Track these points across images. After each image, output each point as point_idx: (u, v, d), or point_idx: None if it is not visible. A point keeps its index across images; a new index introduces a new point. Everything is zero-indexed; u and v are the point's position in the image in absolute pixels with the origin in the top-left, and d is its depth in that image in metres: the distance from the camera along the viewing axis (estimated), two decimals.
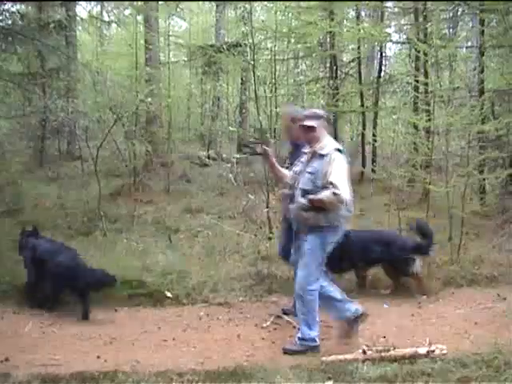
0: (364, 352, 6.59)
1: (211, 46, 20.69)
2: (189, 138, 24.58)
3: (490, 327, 7.94)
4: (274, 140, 14.30)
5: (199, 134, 24.51)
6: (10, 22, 14.43)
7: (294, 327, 8.11)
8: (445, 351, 6.64)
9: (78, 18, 21.97)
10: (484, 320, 8.34)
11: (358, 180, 18.66)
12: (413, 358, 6.53)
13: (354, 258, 9.53)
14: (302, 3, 18.12)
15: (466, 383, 5.79)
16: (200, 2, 29.85)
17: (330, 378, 6.00)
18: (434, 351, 6.60)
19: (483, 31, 15.47)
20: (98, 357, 6.92)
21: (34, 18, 17.37)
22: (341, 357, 6.61)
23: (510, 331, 7.35)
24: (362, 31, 16.96)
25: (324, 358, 6.59)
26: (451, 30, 23.40)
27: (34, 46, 15.46)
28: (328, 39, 19.05)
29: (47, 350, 7.14)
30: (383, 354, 6.58)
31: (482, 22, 15.78)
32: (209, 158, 19.16)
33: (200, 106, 23.28)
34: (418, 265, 9.54)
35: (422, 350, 6.63)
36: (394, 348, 6.69)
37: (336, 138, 18.59)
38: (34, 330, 7.95)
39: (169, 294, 9.30)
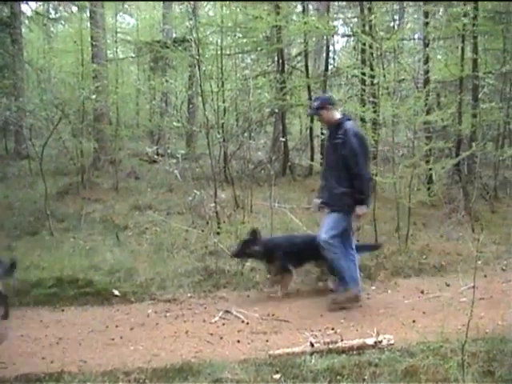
0: (312, 344, 6.60)
1: (158, 41, 20.62)
2: (138, 134, 24.46)
3: (437, 316, 7.99)
4: (221, 135, 14.29)
5: (148, 130, 24.43)
6: None
7: (243, 321, 8.11)
8: (392, 341, 6.68)
9: (23, 16, 21.79)
10: (432, 309, 8.40)
11: (306, 174, 18.78)
12: (361, 349, 6.55)
13: None
14: None
15: (412, 372, 5.81)
16: None
17: (277, 372, 5.98)
18: (381, 342, 6.63)
19: (427, 23, 15.60)
20: (44, 358, 6.83)
21: None
22: (288, 350, 6.61)
23: (457, 319, 7.40)
24: (306, 24, 17.00)
25: (271, 352, 6.58)
26: (397, 22, 23.61)
27: None
28: (275, 33, 19.06)
29: None
30: (331, 346, 6.58)
31: (426, 14, 15.91)
32: (157, 154, 19.05)
33: (148, 102, 23.15)
34: None
35: (370, 341, 6.65)
36: (342, 340, 6.70)
37: (284, 132, 18.75)
38: None
39: (116, 293, 9.22)
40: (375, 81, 13.35)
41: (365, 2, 16.47)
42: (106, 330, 7.91)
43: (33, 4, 27.41)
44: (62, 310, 8.78)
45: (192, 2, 17.13)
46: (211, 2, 22.59)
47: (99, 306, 8.97)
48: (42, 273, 9.73)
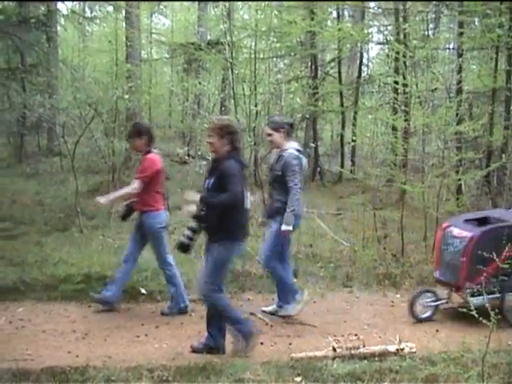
0: (334, 349, 6.64)
1: (192, 43, 20.69)
2: (170, 135, 24.56)
3: (460, 326, 8.01)
4: (252, 138, 14.31)
5: (180, 131, 24.51)
6: None
7: (267, 324, 8.17)
8: (414, 349, 6.71)
9: (59, 14, 21.92)
10: (455, 319, 8.41)
11: (336, 180, 18.80)
12: (382, 355, 6.59)
13: None
14: (283, 2, 18.22)
15: (432, 380, 5.84)
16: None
17: (299, 375, 6.03)
18: (403, 349, 6.67)
19: (461, 33, 15.55)
20: (69, 352, 6.93)
21: (14, 14, 17.32)
22: (311, 354, 6.66)
23: (480, 330, 7.39)
24: (340, 31, 17.01)
25: (294, 355, 6.63)
26: (432, 32, 23.51)
27: (13, 42, 15.44)
28: (309, 38, 19.09)
29: (19, 345, 7.14)
30: (353, 352, 6.63)
31: (460, 24, 15.87)
32: (188, 155, 19.10)
33: (181, 103, 23.22)
34: None
35: (392, 348, 6.69)
36: (364, 346, 6.74)
37: (315, 137, 18.76)
38: (6, 325, 7.94)
39: (143, 291, 9.30)
40: (407, 89, 13.35)
41: (400, 11, 16.44)
42: (131, 327, 8.00)
43: (69, 2, 27.67)
44: (89, 306, 8.87)
45: (227, 6, 17.17)
46: (246, 7, 22.69)
47: (126, 303, 9.04)
48: (71, 269, 9.82)
